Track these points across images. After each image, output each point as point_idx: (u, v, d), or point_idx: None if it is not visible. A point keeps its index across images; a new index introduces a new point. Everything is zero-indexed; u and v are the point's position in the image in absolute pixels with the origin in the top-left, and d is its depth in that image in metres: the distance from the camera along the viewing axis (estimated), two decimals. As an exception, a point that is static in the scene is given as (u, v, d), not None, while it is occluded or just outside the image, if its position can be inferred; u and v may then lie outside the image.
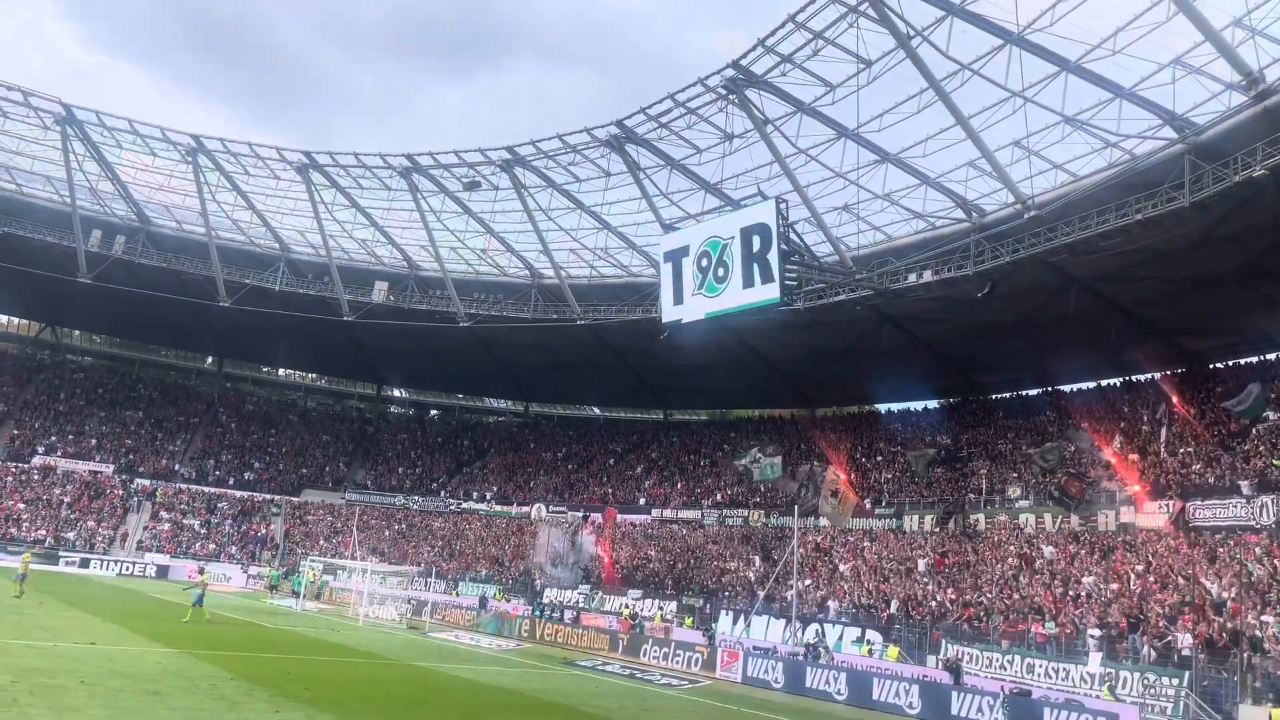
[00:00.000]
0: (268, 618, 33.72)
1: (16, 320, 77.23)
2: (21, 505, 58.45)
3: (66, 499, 60.57)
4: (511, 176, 44.80)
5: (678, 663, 30.68)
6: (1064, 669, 24.70)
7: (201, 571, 41.41)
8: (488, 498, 64.38)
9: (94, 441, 67.30)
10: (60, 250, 53.13)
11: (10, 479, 60.75)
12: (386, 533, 61.95)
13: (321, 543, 61.01)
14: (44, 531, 56.61)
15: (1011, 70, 29.59)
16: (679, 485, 56.17)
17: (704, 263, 35.95)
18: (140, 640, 21.67)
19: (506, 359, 61.81)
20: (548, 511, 58.31)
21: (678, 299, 37.22)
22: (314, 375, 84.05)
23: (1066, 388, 44.85)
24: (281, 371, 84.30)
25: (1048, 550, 32.48)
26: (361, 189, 50.54)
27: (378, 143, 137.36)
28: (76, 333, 78.93)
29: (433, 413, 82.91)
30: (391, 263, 56.20)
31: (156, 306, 59.11)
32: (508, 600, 45.24)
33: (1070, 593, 29.00)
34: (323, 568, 49.91)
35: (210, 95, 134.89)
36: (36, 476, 61.82)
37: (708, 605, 38.33)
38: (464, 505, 64.25)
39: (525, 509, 60.41)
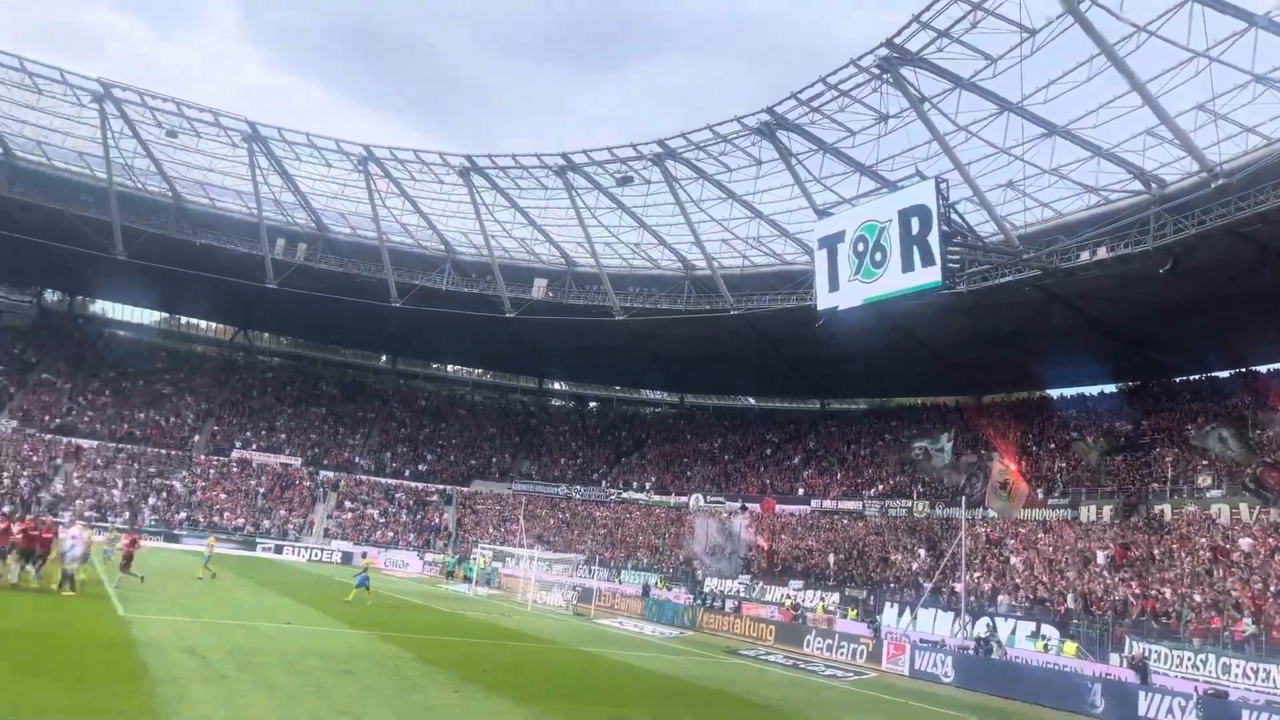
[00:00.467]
0: (444, 602, 35.23)
1: (214, 325, 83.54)
2: (223, 495, 63.22)
3: (261, 490, 65.10)
4: (663, 169, 44.99)
5: (842, 654, 30.17)
6: (1265, 669, 22.86)
7: (364, 556, 43.60)
8: (646, 488, 65.11)
9: (284, 436, 72.05)
10: (250, 259, 57.01)
11: (213, 471, 65.81)
12: (551, 521, 63.60)
13: (490, 530, 63.23)
14: (242, 520, 61.02)
15: (1194, 29, 27.47)
16: (838, 475, 55.16)
17: (860, 247, 35.08)
18: (330, 622, 23.03)
19: (661, 351, 62.27)
20: (705, 501, 58.43)
21: (833, 285, 36.48)
22: (480, 370, 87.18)
23: (1262, 368, 41.42)
24: (450, 367, 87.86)
25: (1245, 543, 30.10)
26: (520, 189, 51.95)
27: (533, 143, 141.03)
28: (266, 335, 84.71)
29: (592, 405, 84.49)
30: (550, 260, 57.57)
31: (334, 309, 62.65)
32: (669, 589, 45.62)
33: (1272, 589, 26.78)
34: (492, 555, 51.71)
35: (379, 107, 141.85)
36: (235, 469, 66.73)
37: (871, 597, 37.50)
38: (624, 495, 65.21)
39: (683, 499, 60.76)
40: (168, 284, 64.30)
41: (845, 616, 35.87)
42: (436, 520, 66.84)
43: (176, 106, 48.47)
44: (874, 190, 37.24)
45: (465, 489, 70.90)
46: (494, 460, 74.96)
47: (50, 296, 78.61)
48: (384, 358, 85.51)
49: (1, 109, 50.79)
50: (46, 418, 66.18)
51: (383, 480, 70.25)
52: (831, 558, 43.18)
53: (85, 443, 64.60)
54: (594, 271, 54.68)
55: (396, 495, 68.75)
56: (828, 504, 52.02)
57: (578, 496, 67.25)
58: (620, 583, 47.98)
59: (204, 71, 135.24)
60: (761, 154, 42.34)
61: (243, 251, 57.02)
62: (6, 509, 33.31)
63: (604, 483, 68.39)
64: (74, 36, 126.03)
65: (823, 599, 38.61)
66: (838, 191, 41.48)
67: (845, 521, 48.48)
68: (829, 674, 25.43)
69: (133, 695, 11.25)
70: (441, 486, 70.61)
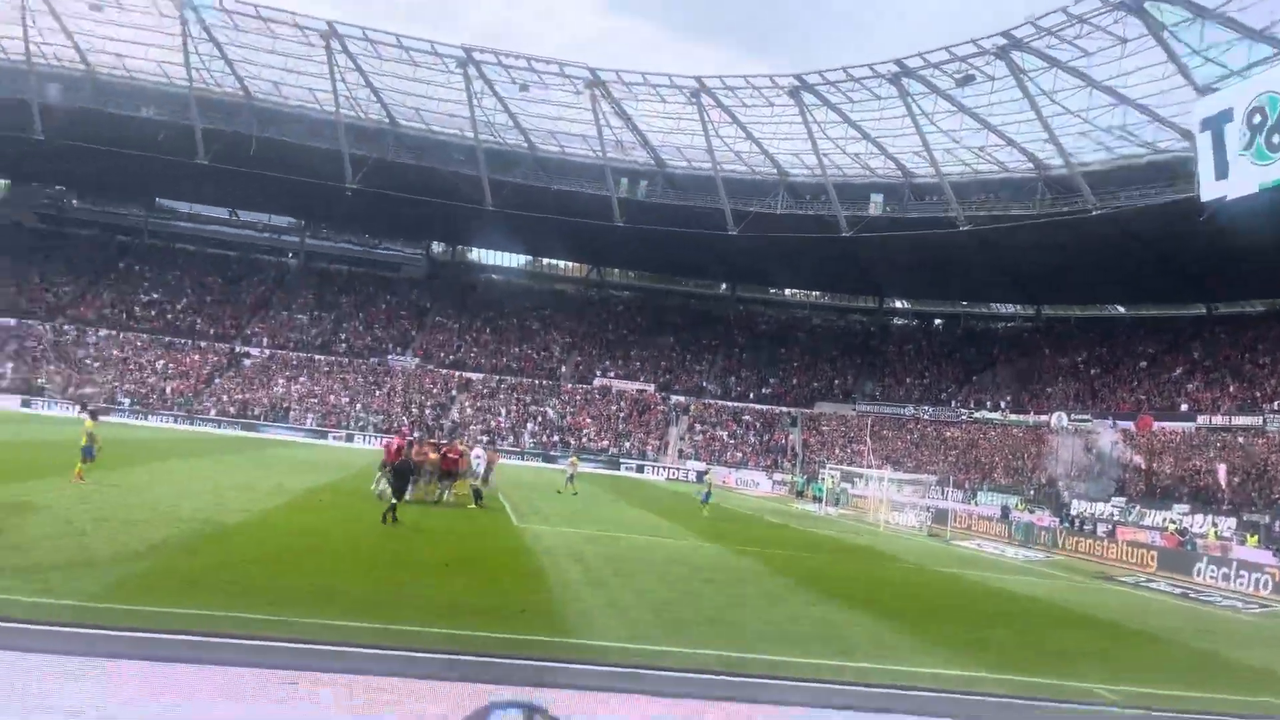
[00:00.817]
0: (796, 520, 35.92)
1: (571, 265, 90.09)
2: (589, 420, 68.65)
3: (621, 414, 69.88)
4: (1008, 63, 41.35)
5: (1241, 584, 26.84)
6: None
7: (705, 473, 45.21)
8: (1001, 406, 61.58)
9: (638, 365, 76.57)
10: (598, 200, 60.49)
11: (579, 398, 71.61)
12: (899, 443, 62.29)
13: (837, 451, 63.23)
14: (606, 442, 65.90)
15: None
16: (1230, 388, 48.64)
17: (1256, 121, 30.11)
18: (690, 535, 24.31)
19: (1012, 261, 57.99)
20: (1069, 420, 54.17)
21: (1220, 172, 31.72)
22: (817, 293, 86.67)
23: None
24: (787, 291, 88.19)
25: None
26: (851, 103, 50.23)
27: (863, 54, 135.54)
28: (616, 271, 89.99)
29: (936, 322, 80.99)
30: (885, 174, 55.39)
31: (675, 242, 64.96)
32: (1030, 511, 43.11)
33: None
34: (840, 476, 51.75)
35: (708, 38, 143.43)
36: (597, 396, 72.13)
37: (1276, 522, 32.94)
38: (976, 414, 62.21)
39: (1043, 417, 56.77)
40: (530, 229, 70.13)
41: (1243, 543, 31.85)
42: (783, 441, 68.01)
43: (527, 62, 52.04)
44: (1270, 57, 31.68)
45: (809, 411, 71.31)
46: (836, 382, 74.55)
47: (436, 249, 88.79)
48: (724, 286, 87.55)
49: (386, 83, 57.51)
50: (442, 354, 75.39)
51: (730, 404, 72.52)
52: (1224, 478, 38.41)
53: (473, 375, 72.84)
54: (933, 181, 51.84)
55: (744, 417, 70.75)
56: (1218, 420, 46.16)
57: (926, 417, 65.18)
58: (976, 504, 46.07)
59: (550, 25, 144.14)
60: (1126, 31, 37.49)
61: (590, 194, 60.57)
62: (416, 434, 38.40)
63: (954, 402, 65.63)
64: (440, 9, 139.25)
65: (1215, 524, 34.52)
66: (1223, 63, 35.79)
67: (1241, 439, 42.80)
68: (1227, 605, 22.79)
69: (534, 595, 12.59)
70: (786, 409, 71.55)
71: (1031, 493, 46.52)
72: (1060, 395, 58.30)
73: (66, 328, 70.44)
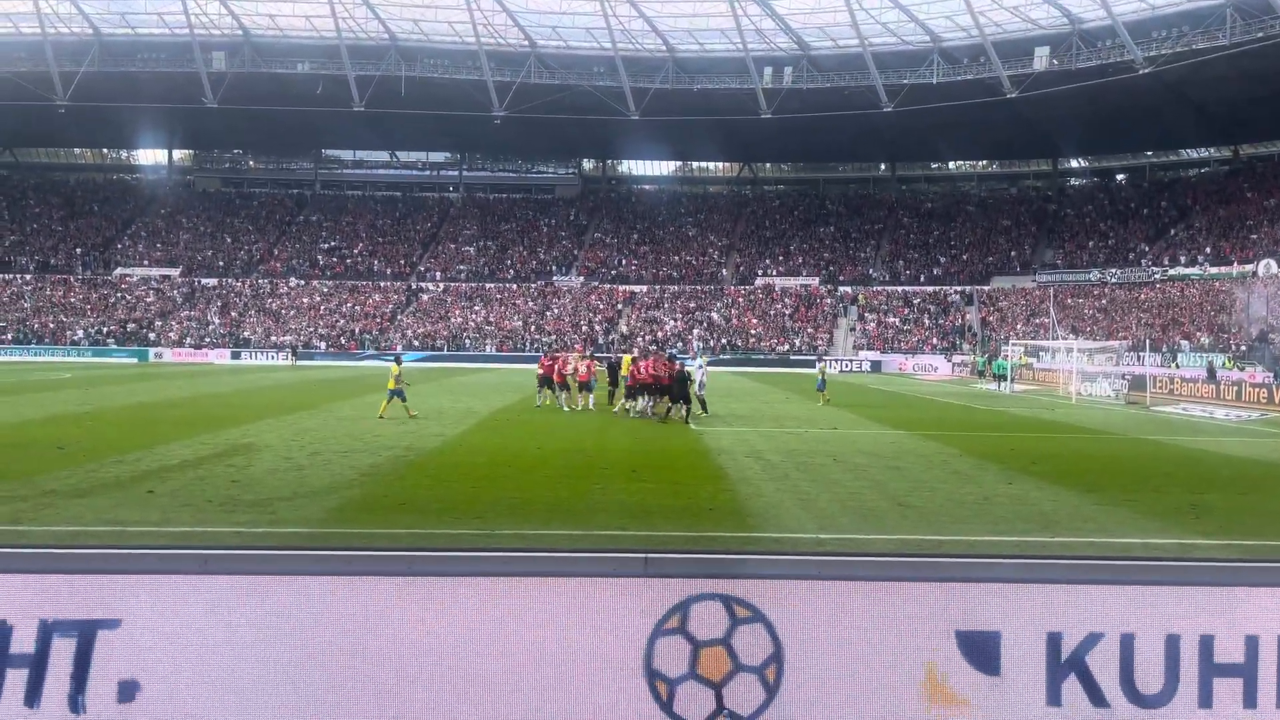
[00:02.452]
0: (979, 400, 34.84)
1: (721, 165, 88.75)
2: (754, 320, 68.38)
3: (787, 312, 69.18)
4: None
5: None
6: None
7: (821, 363, 44.36)
8: (1199, 260, 57.03)
9: (799, 259, 75.28)
10: (742, 94, 58.97)
11: (742, 300, 71.30)
12: (1085, 310, 58.95)
13: (1018, 327, 60.60)
14: (775, 340, 65.57)
15: None
16: None
17: None
18: (873, 425, 24.03)
19: (1202, 99, 52.85)
20: (1279, 267, 49.66)
21: None
22: (983, 162, 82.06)
23: None
24: (951, 165, 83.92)
25: None
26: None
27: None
28: (767, 166, 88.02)
29: (1118, 178, 75.30)
30: (1049, 23, 51.21)
31: (827, 126, 62.70)
32: (1240, 369, 40.05)
33: None
34: (1024, 350, 49.59)
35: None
36: (761, 295, 71.57)
37: None
38: (1171, 272, 57.92)
39: (1248, 266, 52.24)
40: (676, 134, 69.37)
41: None
42: (959, 322, 65.69)
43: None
44: None
45: (985, 287, 68.39)
46: (1012, 254, 70.92)
47: (587, 166, 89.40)
48: (882, 166, 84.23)
49: (520, 4, 57.52)
50: (604, 270, 76.53)
51: (899, 288, 70.44)
52: None
53: (636, 288, 73.69)
54: (1104, 24, 47.58)
55: (915, 301, 68.63)
56: None
57: (1113, 280, 61.27)
58: (1177, 367, 43.24)
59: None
60: None
61: (734, 88, 59.10)
62: (587, 351, 39.47)
63: (1144, 261, 61.27)
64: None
65: None
66: None
67: None
68: None
69: (718, 494, 12.83)
70: (960, 288, 68.87)
71: (1241, 349, 43.17)
72: (1267, 241, 53.30)
73: (261, 282, 75.89)
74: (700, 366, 26.36)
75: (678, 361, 26.34)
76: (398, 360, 24.71)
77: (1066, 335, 49.61)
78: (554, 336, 66.87)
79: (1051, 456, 17.80)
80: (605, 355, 30.13)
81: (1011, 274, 68.67)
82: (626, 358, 28.36)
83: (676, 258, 77.03)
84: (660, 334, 66.54)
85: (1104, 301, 59.09)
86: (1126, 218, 68.48)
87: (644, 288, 73.68)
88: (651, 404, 24.20)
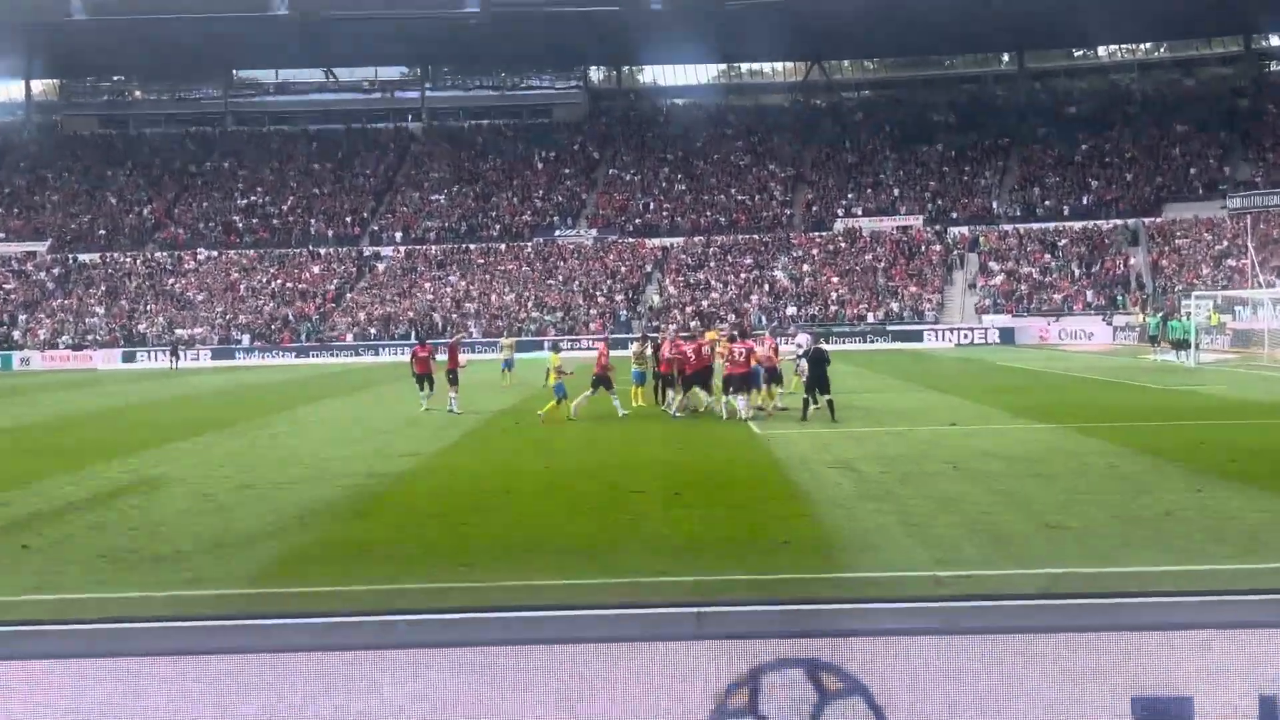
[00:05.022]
0: (1153, 377, 34.56)
1: (781, 65, 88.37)
2: (836, 278, 68.19)
3: (880, 264, 68.91)
4: None
5: None
6: None
7: (802, 347, 44.45)
8: None
9: (895, 192, 74.92)
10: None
11: (817, 251, 71.10)
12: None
13: (1203, 272, 60.00)
14: (863, 305, 65.39)
15: None
16: None
17: None
18: (1006, 417, 23.90)
19: None
20: None
21: None
22: (1147, 45, 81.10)
23: None
24: (1101, 52, 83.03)
25: None
26: None
27: None
28: (845, 64, 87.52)
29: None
30: None
31: (930, 4, 62.21)
32: None
33: None
34: (1212, 305, 49.11)
35: None
36: (843, 243, 71.35)
37: None
38: None
39: None
40: (717, 25, 69.11)
41: None
42: (1120, 269, 65.19)
43: None
44: None
45: (1156, 219, 67.82)
46: (1191, 171, 70.19)
47: (596, 76, 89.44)
48: (1006, 57, 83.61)
49: None
50: (624, 219, 76.60)
51: (1034, 226, 70.03)
52: None
53: (670, 241, 73.77)
54: None
55: (1058, 243, 68.18)
56: None
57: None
58: None
59: None
60: None
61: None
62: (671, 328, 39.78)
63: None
64: None
65: None
66: None
67: None
68: None
69: (793, 521, 12.82)
70: (1120, 221, 68.31)
71: None
72: None
73: (158, 256, 76.63)
74: (801, 349, 26.57)
75: (767, 340, 27.66)
76: (555, 348, 28.67)
77: (1272, 281, 48.98)
78: (560, 314, 67.11)
79: (1258, 452, 17.63)
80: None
81: (1191, 199, 67.89)
82: (711, 334, 29.63)
83: (724, 196, 77.00)
84: (704, 304, 66.56)
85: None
86: (1352, 113, 67.64)
87: (679, 241, 73.73)
88: (682, 398, 25.24)
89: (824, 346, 26.29)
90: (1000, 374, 38.31)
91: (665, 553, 11.31)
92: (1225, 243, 61.72)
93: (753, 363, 24.55)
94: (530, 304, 68.85)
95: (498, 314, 67.69)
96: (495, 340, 51.14)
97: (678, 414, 25.04)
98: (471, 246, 75.52)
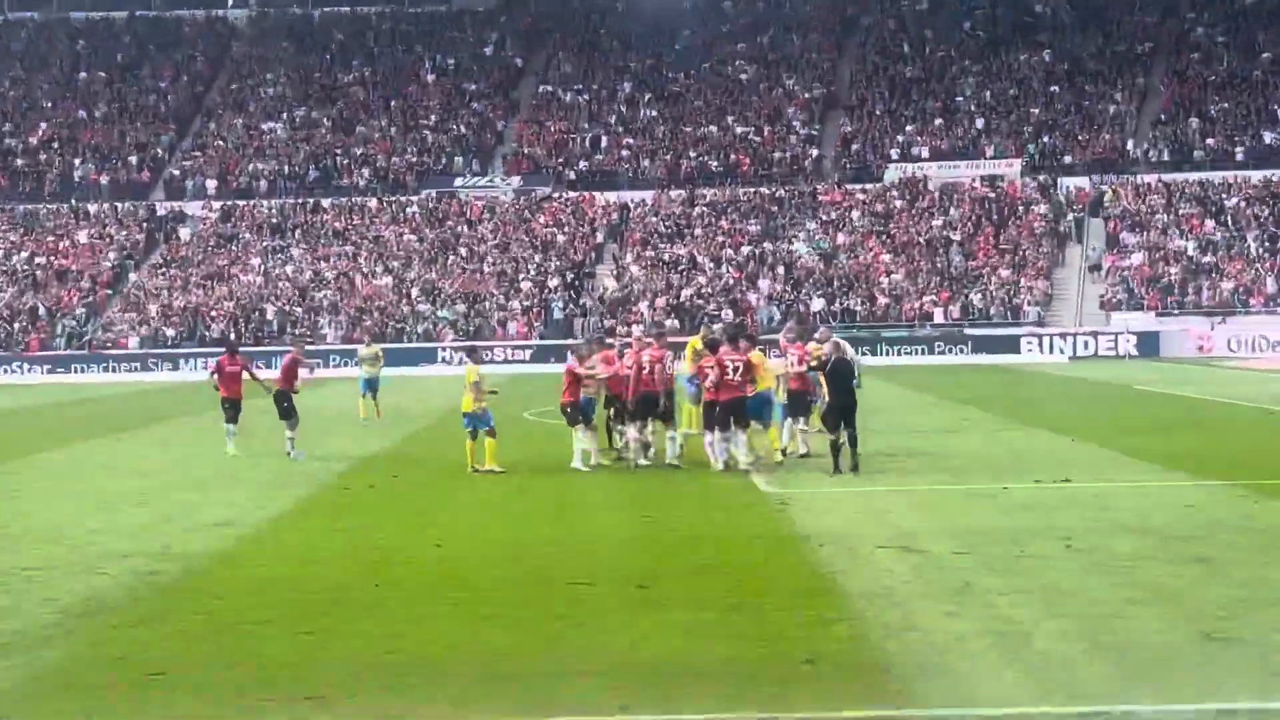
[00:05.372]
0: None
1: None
2: (886, 256, 68.29)
3: (954, 235, 69.11)
4: None
5: None
6: None
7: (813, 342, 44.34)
8: None
9: (978, 123, 75.33)
10: None
11: (856, 215, 71.20)
12: None
13: None
14: (930, 298, 65.50)
15: None
16: None
17: None
18: (1147, 469, 23.97)
19: None
20: None
21: None
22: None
23: None
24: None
25: None
26: None
27: None
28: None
29: None
30: None
31: None
32: None
33: None
34: None
35: None
36: (898, 202, 71.55)
37: None
38: None
39: None
40: None
41: None
42: (1321, 243, 65.75)
43: None
44: None
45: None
46: None
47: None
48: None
49: None
50: (560, 163, 76.47)
51: (1190, 177, 70.55)
52: None
53: (633, 196, 73.81)
54: None
55: (1228, 204, 68.67)
56: None
57: None
58: None
59: None
60: None
61: None
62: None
63: None
64: None
65: None
66: None
67: None
68: None
69: (824, 630, 12.75)
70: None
71: None
72: None
73: None
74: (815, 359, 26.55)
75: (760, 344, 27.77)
76: (474, 356, 27.19)
77: None
78: (463, 308, 66.86)
79: None
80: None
81: None
82: (693, 341, 29.20)
83: (715, 130, 77.00)
84: (686, 294, 66.43)
85: None
86: None
87: (647, 196, 73.65)
88: (638, 433, 25.35)
89: (851, 354, 26.32)
90: (1139, 403, 38.49)
91: (624, 680, 11.20)
92: None
93: (759, 380, 24.50)
94: (415, 293, 68.56)
95: (366, 308, 67.36)
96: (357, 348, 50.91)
97: (641, 462, 25.00)
98: (325, 203, 75.21)
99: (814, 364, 24.93)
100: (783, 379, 26.19)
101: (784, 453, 25.60)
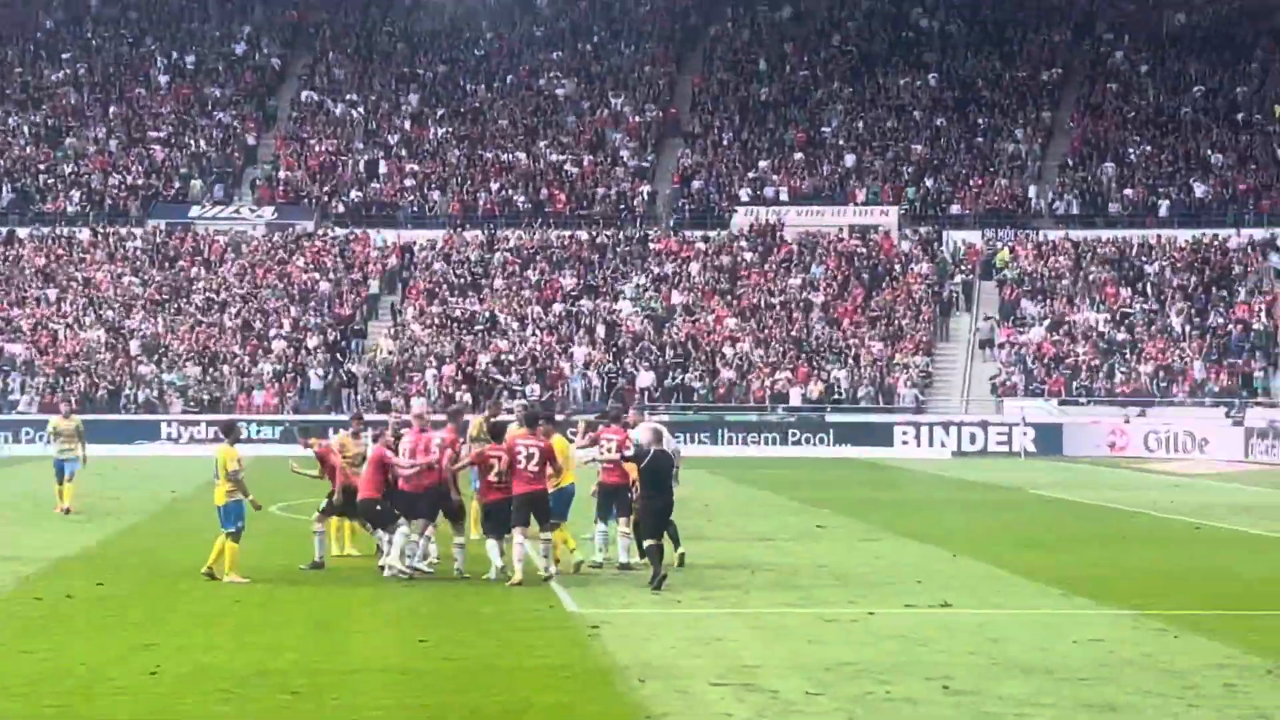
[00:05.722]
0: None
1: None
2: (732, 320, 68.76)
3: (816, 297, 69.76)
4: None
5: None
6: None
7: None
8: None
9: (846, 160, 76.23)
10: None
11: (697, 265, 71.65)
12: None
13: None
14: (785, 373, 66.10)
15: None
16: None
17: None
18: (1046, 593, 24.34)
19: None
20: None
21: None
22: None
23: None
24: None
25: None
26: None
27: None
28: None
29: None
30: None
31: None
32: None
33: None
34: None
35: None
36: (747, 254, 72.02)
37: None
38: None
39: None
40: None
41: None
42: (1262, 319, 67.02)
43: None
44: None
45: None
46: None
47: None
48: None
49: None
50: (327, 191, 76.25)
51: (1103, 235, 71.89)
52: None
53: (416, 236, 73.71)
54: None
55: (1148, 270, 70.00)
56: None
57: None
58: None
59: None
60: None
61: None
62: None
63: None
64: None
65: None
66: None
67: None
68: None
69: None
70: (1262, 233, 70.66)
71: None
72: None
73: None
74: (626, 447, 26.60)
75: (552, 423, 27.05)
76: (230, 434, 26.24)
77: None
78: (199, 369, 66.22)
79: None
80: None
81: None
82: (476, 420, 28.88)
83: (521, 157, 77.19)
84: (482, 360, 66.29)
85: None
86: None
87: (437, 236, 73.60)
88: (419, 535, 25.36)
89: (672, 444, 26.54)
90: (1036, 511, 39.04)
91: None
92: None
93: (562, 472, 24.63)
94: (135, 349, 67.76)
95: (70, 368, 66.48)
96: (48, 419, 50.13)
97: (423, 568, 25.13)
98: (22, 234, 74.29)
99: (628, 453, 25.01)
100: (597, 469, 26.28)
101: (598, 564, 25.71)
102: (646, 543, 24.01)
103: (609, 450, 25.53)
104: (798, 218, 73.44)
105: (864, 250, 71.55)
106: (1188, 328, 66.78)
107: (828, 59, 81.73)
